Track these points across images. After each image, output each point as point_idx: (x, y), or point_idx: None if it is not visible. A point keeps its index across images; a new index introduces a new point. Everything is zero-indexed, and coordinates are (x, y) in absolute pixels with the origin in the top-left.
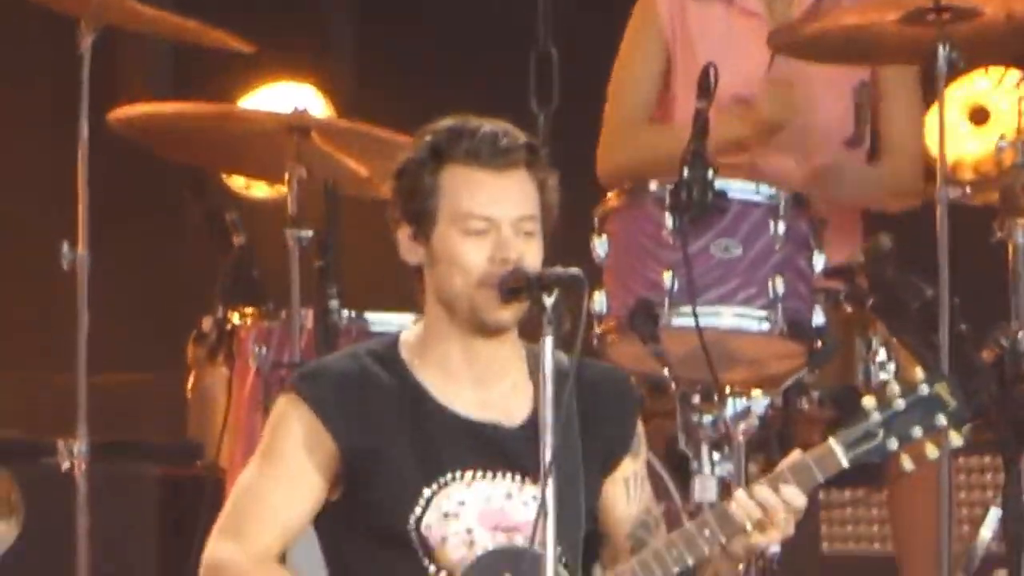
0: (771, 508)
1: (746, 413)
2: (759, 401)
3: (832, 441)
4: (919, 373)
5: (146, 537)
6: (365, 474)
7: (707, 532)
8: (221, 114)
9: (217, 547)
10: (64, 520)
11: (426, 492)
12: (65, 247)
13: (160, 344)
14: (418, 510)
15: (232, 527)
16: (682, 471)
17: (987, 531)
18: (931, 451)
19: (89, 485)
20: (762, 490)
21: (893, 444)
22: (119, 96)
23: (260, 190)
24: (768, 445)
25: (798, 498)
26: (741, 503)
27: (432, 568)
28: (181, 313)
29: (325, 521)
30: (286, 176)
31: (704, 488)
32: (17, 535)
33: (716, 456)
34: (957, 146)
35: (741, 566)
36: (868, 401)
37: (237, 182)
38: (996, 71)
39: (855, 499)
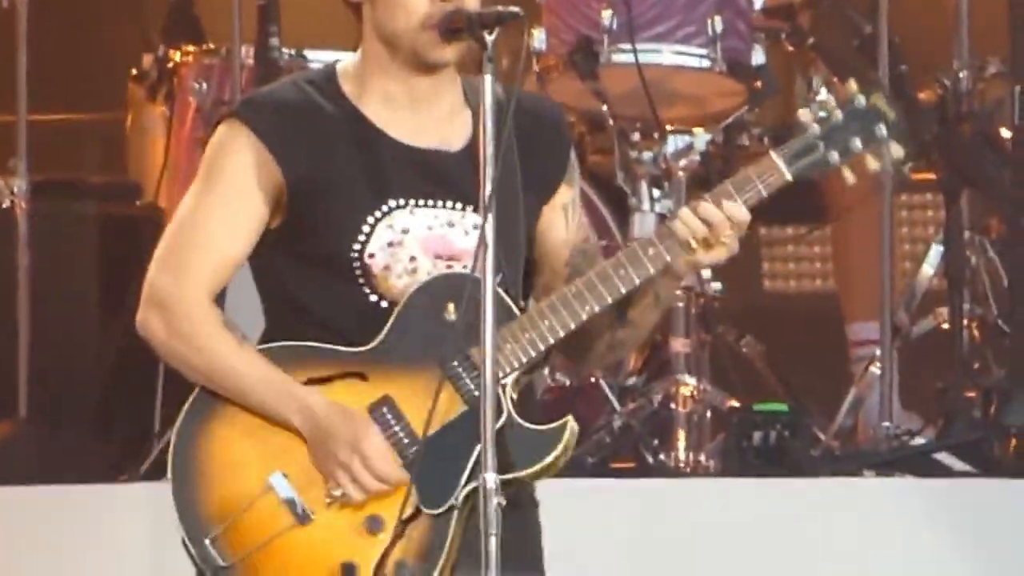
0: (716, 224)
1: (687, 149)
2: (699, 137)
3: (773, 154)
4: (853, 84)
5: (86, 276)
6: (309, 201)
7: (651, 251)
8: None
9: (158, 278)
10: (4, 258)
11: (369, 220)
12: None
13: (100, 83)
14: (361, 238)
15: (173, 257)
16: (621, 208)
17: (928, 268)
18: (872, 163)
19: (29, 223)
20: (707, 207)
21: (834, 156)
22: None
23: None
24: (708, 181)
25: (741, 213)
26: (686, 220)
27: (373, 297)
28: (121, 52)
29: (263, 249)
30: None
31: (643, 225)
32: None
33: (656, 193)
34: None
35: (680, 295)
36: (804, 114)
37: None
38: None
39: (797, 236)
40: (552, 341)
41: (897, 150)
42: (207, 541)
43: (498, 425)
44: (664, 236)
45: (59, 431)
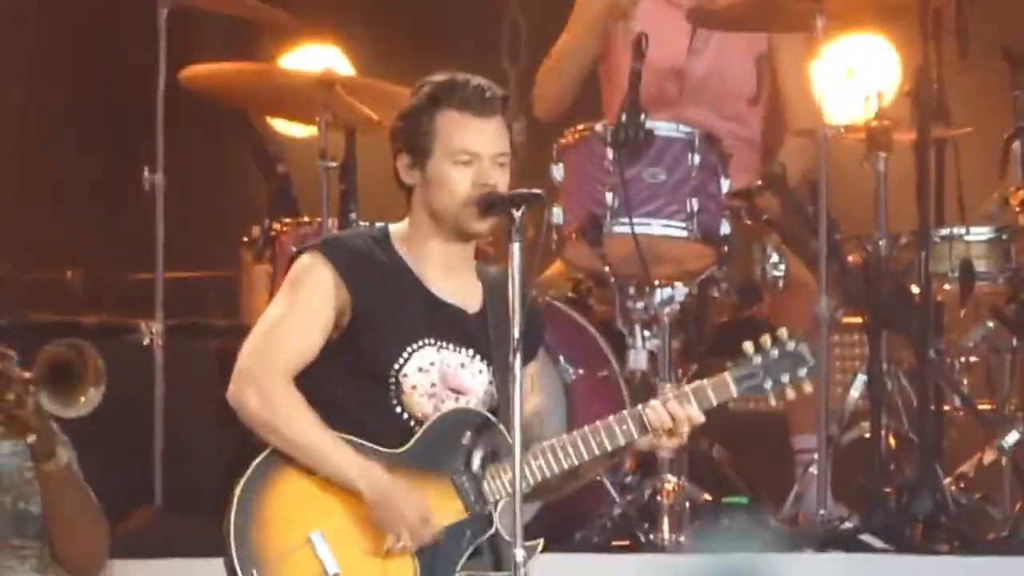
0: (678, 420)
1: (670, 300)
2: (680, 291)
3: (727, 375)
4: (784, 333)
5: (208, 395)
6: (366, 325)
7: (624, 428)
8: (266, 71)
9: (252, 362)
10: (144, 382)
11: (408, 349)
12: (146, 172)
13: (218, 248)
14: (401, 361)
15: (264, 349)
16: (620, 345)
17: (855, 392)
18: (790, 393)
19: (164, 356)
20: (673, 405)
21: (768, 384)
22: (188, 59)
23: (297, 130)
24: (686, 324)
25: (698, 416)
26: (657, 412)
27: (398, 409)
28: (235, 224)
29: (317, 358)
30: (316, 119)
31: (637, 359)
32: (102, 399)
33: (646, 333)
34: (837, 96)
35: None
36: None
37: (278, 124)
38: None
39: None
40: (540, 479)
41: (809, 388)
42: (253, 571)
43: (486, 536)
44: (636, 419)
45: (187, 516)
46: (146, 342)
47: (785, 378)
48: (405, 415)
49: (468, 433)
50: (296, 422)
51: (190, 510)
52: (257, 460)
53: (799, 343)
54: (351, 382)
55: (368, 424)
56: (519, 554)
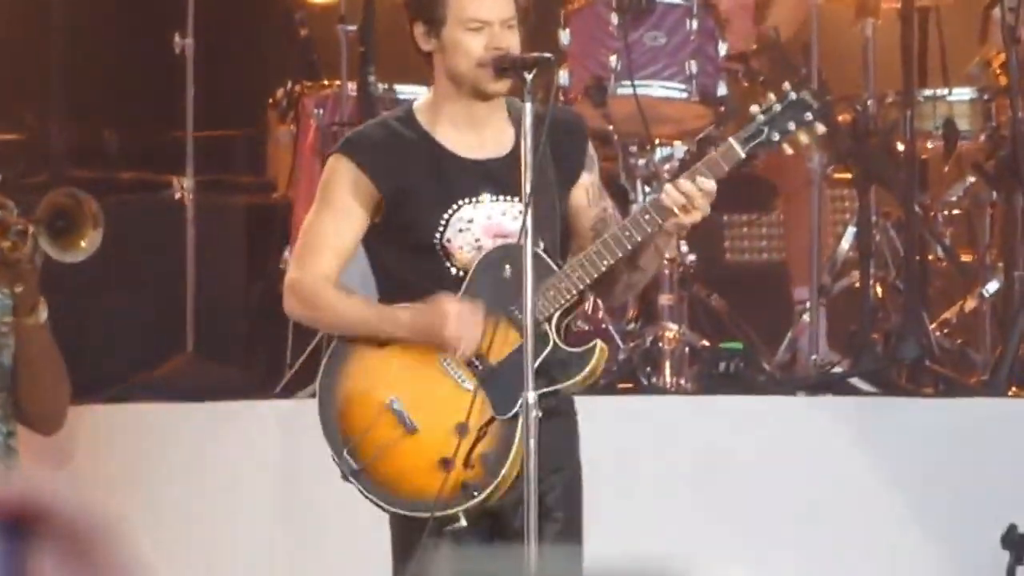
0: (691, 195)
1: (669, 157)
2: (679, 149)
3: (731, 138)
4: (787, 84)
5: (236, 246)
6: (401, 206)
7: (647, 217)
8: None
9: (291, 274)
10: (177, 235)
11: (445, 215)
12: (177, 37)
13: (247, 108)
14: (441, 229)
15: (300, 258)
16: (623, 200)
17: (845, 243)
18: (803, 138)
19: (194, 210)
20: (684, 182)
21: (776, 136)
22: None
23: None
24: None
25: (710, 184)
26: (670, 193)
27: (453, 269)
28: (261, 86)
29: (371, 239)
30: None
31: None
32: (137, 251)
33: (647, 189)
34: None
35: (665, 264)
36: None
37: None
38: None
39: (749, 221)
40: (582, 287)
41: (820, 128)
42: (345, 452)
43: (547, 351)
44: (655, 205)
45: (216, 362)
46: (177, 196)
47: (792, 125)
48: (460, 272)
49: (507, 267)
50: (332, 306)
51: (219, 356)
52: (327, 352)
53: (801, 91)
54: (403, 255)
55: (427, 287)
56: (530, 396)
